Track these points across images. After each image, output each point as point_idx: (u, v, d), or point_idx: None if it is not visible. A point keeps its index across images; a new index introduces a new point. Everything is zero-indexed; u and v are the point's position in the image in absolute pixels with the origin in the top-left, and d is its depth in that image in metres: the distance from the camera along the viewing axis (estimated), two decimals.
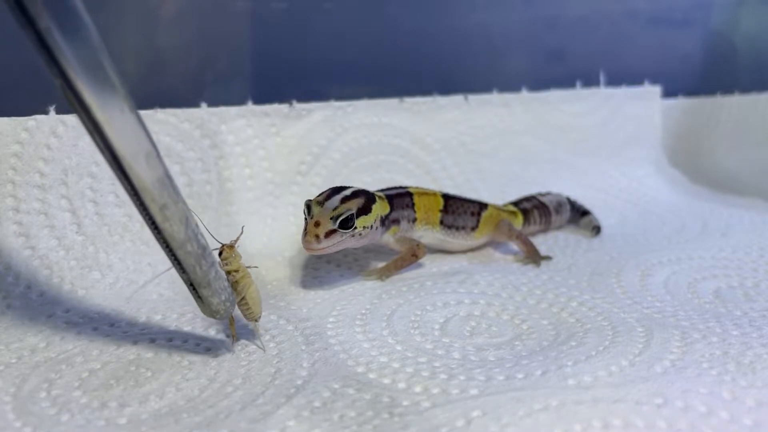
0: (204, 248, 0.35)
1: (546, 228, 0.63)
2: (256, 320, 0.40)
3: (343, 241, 0.47)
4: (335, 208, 0.47)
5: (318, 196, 0.49)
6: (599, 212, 0.67)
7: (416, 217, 0.54)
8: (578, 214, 0.65)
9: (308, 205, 0.48)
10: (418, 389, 0.36)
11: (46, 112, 0.50)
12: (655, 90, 0.82)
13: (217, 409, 0.34)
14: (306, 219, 0.47)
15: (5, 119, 0.48)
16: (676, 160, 0.84)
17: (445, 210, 0.56)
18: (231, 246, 0.39)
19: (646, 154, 0.81)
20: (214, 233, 0.55)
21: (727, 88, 0.87)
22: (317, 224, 0.46)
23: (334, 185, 0.51)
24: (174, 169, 0.55)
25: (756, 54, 0.89)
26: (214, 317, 0.38)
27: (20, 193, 0.48)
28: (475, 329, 0.43)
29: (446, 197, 0.56)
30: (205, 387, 0.36)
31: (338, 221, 0.46)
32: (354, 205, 0.47)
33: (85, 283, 0.49)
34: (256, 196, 0.59)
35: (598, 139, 0.78)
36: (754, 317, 0.44)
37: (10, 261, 0.47)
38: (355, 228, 0.47)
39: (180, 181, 0.55)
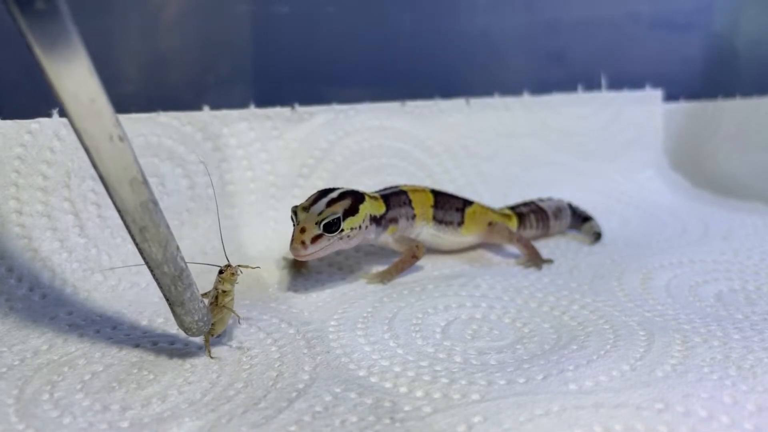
0: (182, 270, 0.36)
1: (544, 233, 0.63)
2: (212, 335, 0.40)
3: (331, 245, 0.47)
4: (320, 213, 0.47)
5: (305, 201, 0.49)
6: (600, 215, 0.67)
7: (415, 214, 0.55)
8: (580, 219, 0.65)
9: (294, 211, 0.48)
10: (419, 394, 0.36)
11: (49, 115, 0.50)
12: (657, 94, 0.82)
13: (219, 413, 0.34)
14: (293, 225, 0.47)
15: (8, 122, 0.48)
16: (677, 163, 0.84)
17: (436, 205, 0.56)
18: (234, 272, 0.40)
19: (648, 157, 0.81)
20: (215, 235, 0.55)
21: (729, 92, 0.87)
22: (303, 230, 0.46)
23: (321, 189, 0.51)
24: (176, 172, 0.56)
25: (757, 58, 0.89)
26: (186, 334, 0.39)
27: (23, 196, 0.48)
28: (476, 332, 0.43)
29: (435, 193, 0.57)
30: (207, 390, 0.36)
31: (322, 225, 0.46)
32: (340, 208, 0.48)
33: (87, 285, 0.49)
34: (258, 198, 0.59)
35: (600, 143, 0.78)
36: (756, 321, 0.44)
37: (12, 263, 0.47)
38: (342, 230, 0.47)
39: (182, 184, 0.56)
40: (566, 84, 0.77)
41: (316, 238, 0.46)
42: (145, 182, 0.33)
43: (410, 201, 0.55)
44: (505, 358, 0.40)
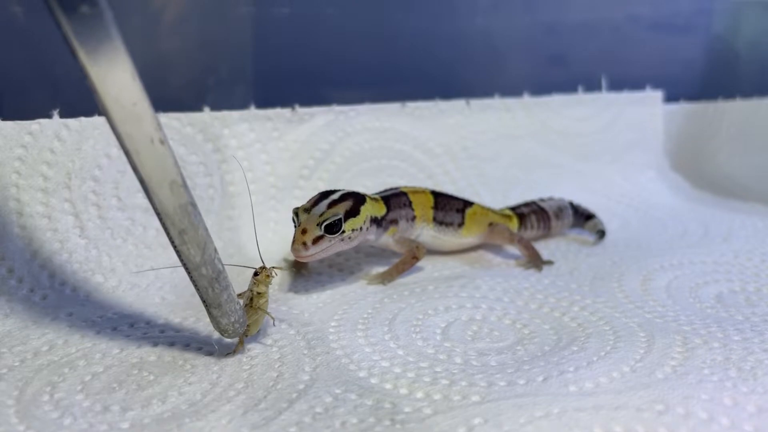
0: (219, 272, 0.37)
1: (546, 233, 0.63)
2: (246, 336, 0.41)
3: (332, 246, 0.47)
4: (322, 214, 0.47)
5: (306, 202, 0.49)
6: (601, 216, 0.67)
7: (415, 215, 0.55)
8: (582, 218, 0.65)
9: (296, 213, 0.48)
10: (419, 395, 0.36)
11: (49, 116, 0.50)
12: (657, 95, 0.82)
13: (220, 414, 0.34)
14: (295, 226, 0.47)
15: (9, 123, 0.48)
16: (677, 164, 0.84)
17: (436, 206, 0.56)
18: (269, 275, 0.41)
19: (648, 158, 0.81)
20: (215, 237, 0.55)
21: (729, 94, 0.87)
22: (304, 231, 0.46)
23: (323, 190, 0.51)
24: None
25: (758, 60, 0.89)
26: (222, 335, 0.39)
27: (24, 197, 0.48)
28: (476, 334, 0.43)
29: (435, 194, 0.57)
30: (208, 391, 0.36)
31: (324, 226, 0.46)
32: (341, 209, 0.48)
33: (87, 286, 0.49)
34: (258, 200, 0.60)
35: (600, 144, 0.78)
36: (756, 322, 0.44)
37: (13, 264, 0.47)
38: (344, 231, 0.47)
39: None
40: (566, 86, 0.77)
41: (317, 239, 0.46)
42: (185, 185, 0.33)
43: (410, 202, 0.55)
44: (505, 359, 0.40)
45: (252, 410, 0.34)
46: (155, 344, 0.41)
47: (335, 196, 0.49)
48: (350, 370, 0.38)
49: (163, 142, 0.32)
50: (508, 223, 0.60)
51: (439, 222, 0.56)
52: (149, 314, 0.45)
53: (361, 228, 0.49)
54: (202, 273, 0.36)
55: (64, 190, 0.50)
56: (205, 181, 0.57)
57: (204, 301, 0.37)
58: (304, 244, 0.46)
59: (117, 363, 0.39)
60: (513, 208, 0.63)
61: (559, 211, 0.64)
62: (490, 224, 0.58)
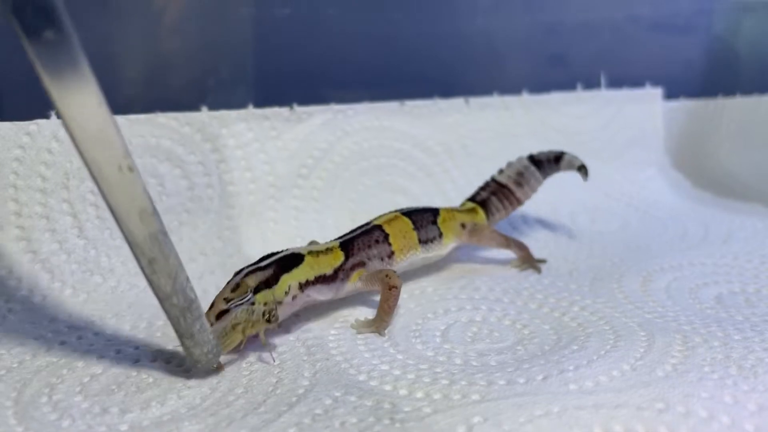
0: (191, 302, 0.36)
1: (516, 206, 0.60)
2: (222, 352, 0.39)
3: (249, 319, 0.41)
4: (234, 287, 0.42)
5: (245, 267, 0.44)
6: (601, 216, 0.67)
7: (393, 250, 0.50)
8: (552, 163, 0.61)
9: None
10: (419, 395, 0.36)
11: (47, 117, 0.50)
12: (657, 92, 0.81)
13: (219, 417, 0.34)
14: None
15: (7, 124, 0.48)
16: (678, 162, 0.84)
17: (416, 227, 0.53)
18: (271, 318, 0.40)
19: (648, 156, 0.81)
20: (215, 236, 0.55)
21: (729, 94, 0.87)
22: (211, 305, 0.41)
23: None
24: (175, 173, 0.55)
25: (758, 60, 0.89)
26: (195, 366, 0.38)
27: (22, 197, 0.48)
28: (476, 335, 0.43)
29: (407, 214, 0.53)
30: (207, 395, 0.36)
31: (230, 302, 0.41)
32: (253, 281, 0.42)
33: (86, 287, 0.49)
34: (257, 199, 0.59)
35: (600, 142, 0.78)
36: (756, 322, 0.44)
37: (11, 265, 0.47)
38: (253, 303, 0.41)
39: (181, 185, 0.56)
40: (567, 86, 0.77)
41: (221, 314, 0.41)
42: (155, 213, 0.33)
43: (386, 236, 0.50)
44: (505, 359, 0.40)
45: (252, 413, 0.34)
46: (154, 346, 0.41)
47: (264, 263, 0.44)
48: (350, 374, 0.38)
49: (132, 169, 0.31)
50: (475, 217, 0.57)
51: (424, 242, 0.53)
52: (149, 315, 0.45)
53: (282, 298, 0.43)
54: (173, 302, 0.35)
55: (62, 191, 0.50)
56: (204, 180, 0.57)
57: (176, 332, 0.36)
58: (208, 318, 0.40)
59: (116, 364, 0.39)
60: (472, 198, 0.60)
61: (520, 176, 0.60)
62: (462, 225, 0.56)
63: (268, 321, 0.40)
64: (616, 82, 0.79)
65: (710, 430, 0.32)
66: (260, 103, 0.60)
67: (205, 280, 0.51)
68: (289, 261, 0.45)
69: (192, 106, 0.57)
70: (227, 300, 0.41)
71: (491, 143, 0.72)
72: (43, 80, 0.29)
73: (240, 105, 0.59)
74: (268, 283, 0.43)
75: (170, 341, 0.42)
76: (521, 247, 0.56)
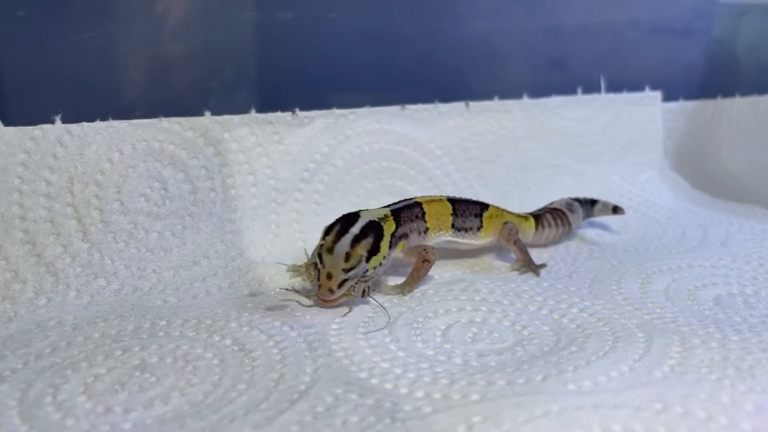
0: None
1: (567, 229, 0.63)
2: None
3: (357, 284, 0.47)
4: (346, 257, 0.46)
5: (327, 235, 0.48)
6: (600, 219, 0.67)
7: (428, 227, 0.55)
8: (589, 205, 0.66)
9: (319, 254, 0.47)
10: (419, 394, 0.36)
11: (52, 122, 0.51)
12: (656, 95, 0.82)
13: (221, 414, 0.34)
14: (318, 268, 0.46)
15: (12, 129, 0.49)
16: (677, 163, 0.84)
17: (455, 213, 0.56)
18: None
19: (648, 158, 0.81)
20: (218, 240, 0.56)
21: (728, 96, 0.87)
22: (329, 276, 0.45)
23: (345, 213, 0.50)
24: (178, 177, 0.56)
25: (757, 63, 0.89)
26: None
27: (27, 202, 0.49)
28: (476, 335, 0.44)
29: (452, 201, 0.57)
30: (210, 392, 0.37)
31: (349, 272, 0.46)
32: (363, 250, 0.47)
33: (90, 289, 0.49)
34: (259, 203, 0.60)
35: (600, 145, 0.79)
36: (754, 323, 0.45)
37: (17, 268, 0.47)
38: (367, 271, 0.47)
39: (184, 189, 0.56)
40: (567, 90, 0.77)
41: (342, 283, 0.46)
42: None
43: (424, 213, 0.54)
44: (504, 359, 0.40)
45: (254, 411, 0.34)
46: (157, 346, 0.42)
47: (356, 230, 0.48)
48: (351, 371, 0.39)
49: None
50: (524, 223, 0.60)
51: (457, 228, 0.56)
52: (151, 317, 0.46)
53: (381, 263, 0.49)
54: None
55: (66, 195, 0.50)
56: (207, 184, 0.57)
57: None
58: (330, 289, 0.45)
59: (119, 365, 0.39)
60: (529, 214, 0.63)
61: (569, 205, 0.64)
62: (505, 223, 0.59)
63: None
64: (615, 86, 0.79)
65: (708, 431, 0.32)
66: (263, 108, 0.61)
67: (208, 283, 0.52)
68: (377, 227, 0.49)
69: (194, 110, 0.58)
70: (345, 270, 0.45)
71: (492, 146, 0.72)
72: None
73: (242, 109, 0.60)
74: (374, 251, 0.47)
75: (172, 341, 0.42)
76: (523, 251, 0.57)
